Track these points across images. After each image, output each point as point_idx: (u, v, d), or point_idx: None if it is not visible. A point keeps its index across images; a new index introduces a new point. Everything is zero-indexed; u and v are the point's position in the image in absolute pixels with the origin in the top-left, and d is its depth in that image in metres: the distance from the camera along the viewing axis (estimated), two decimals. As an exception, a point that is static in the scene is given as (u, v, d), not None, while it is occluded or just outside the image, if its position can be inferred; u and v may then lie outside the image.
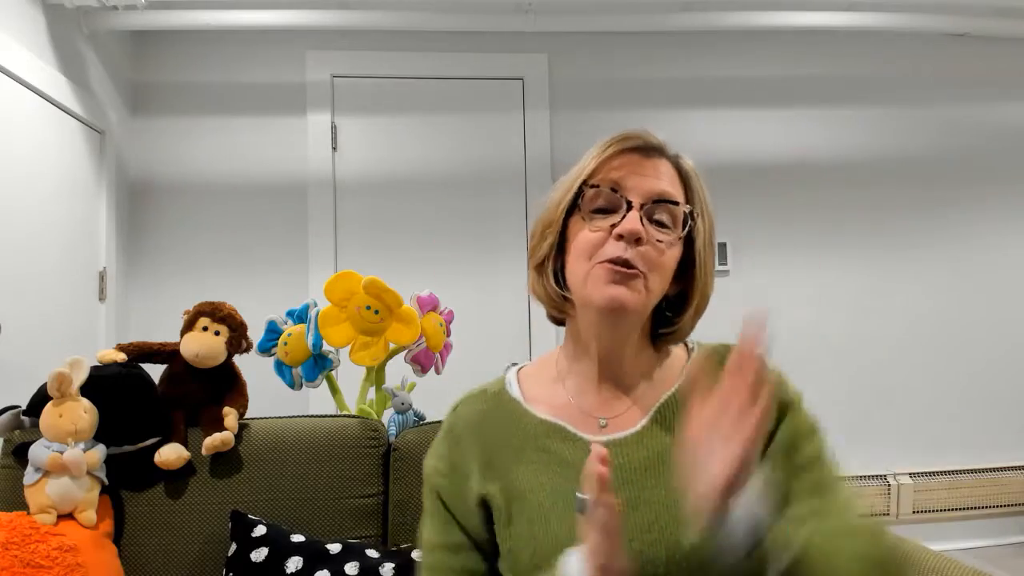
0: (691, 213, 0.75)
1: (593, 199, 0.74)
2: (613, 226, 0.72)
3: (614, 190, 0.73)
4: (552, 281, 0.78)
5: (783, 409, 0.74)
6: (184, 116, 2.57)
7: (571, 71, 2.72)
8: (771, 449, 0.73)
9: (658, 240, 0.73)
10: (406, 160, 2.65)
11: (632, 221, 0.71)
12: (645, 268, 0.72)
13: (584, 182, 0.75)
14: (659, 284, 0.74)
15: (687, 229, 0.75)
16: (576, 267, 0.75)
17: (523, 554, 0.72)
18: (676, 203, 0.74)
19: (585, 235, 0.74)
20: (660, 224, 0.74)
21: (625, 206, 0.73)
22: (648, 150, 0.76)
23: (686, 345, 0.84)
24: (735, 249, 2.72)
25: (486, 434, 0.79)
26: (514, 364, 0.88)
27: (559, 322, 0.84)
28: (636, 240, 0.71)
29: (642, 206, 0.73)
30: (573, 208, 0.76)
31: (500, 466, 0.76)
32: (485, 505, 0.76)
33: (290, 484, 1.35)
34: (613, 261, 0.71)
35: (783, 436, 0.73)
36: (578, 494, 0.61)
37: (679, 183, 0.77)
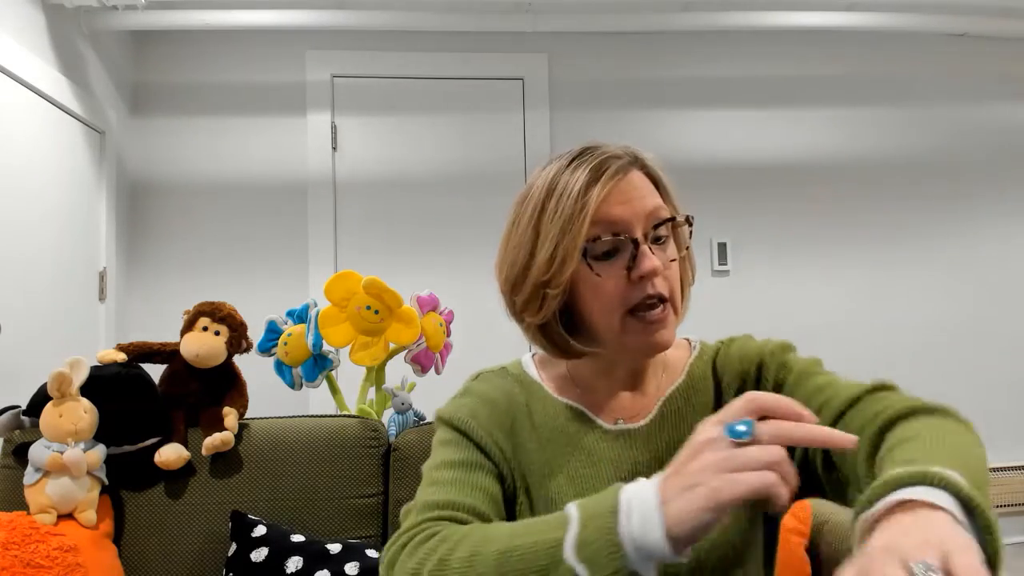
0: (688, 219, 0.75)
1: (593, 250, 0.71)
2: (627, 268, 0.70)
3: (615, 234, 0.71)
4: (562, 330, 0.75)
5: (759, 366, 0.77)
6: (184, 116, 2.57)
7: (571, 71, 2.72)
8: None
9: (671, 260, 0.73)
10: (406, 160, 2.65)
11: (648, 261, 0.69)
12: (668, 291, 0.72)
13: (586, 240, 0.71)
14: (681, 297, 0.75)
15: (691, 235, 0.75)
16: (602, 319, 0.72)
17: None
18: (672, 219, 0.73)
19: (601, 285, 0.71)
20: (662, 240, 0.73)
21: (632, 245, 0.71)
22: (620, 169, 0.72)
23: (689, 344, 0.84)
24: (735, 249, 2.72)
25: (511, 408, 0.79)
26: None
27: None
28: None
29: (646, 235, 0.71)
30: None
31: (523, 443, 0.77)
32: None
33: (290, 484, 1.35)
34: (646, 307, 0.70)
35: (773, 378, 0.75)
36: (733, 424, 0.52)
37: (655, 189, 0.74)
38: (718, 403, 0.78)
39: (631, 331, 0.71)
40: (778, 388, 0.74)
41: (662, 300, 0.71)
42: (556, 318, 0.74)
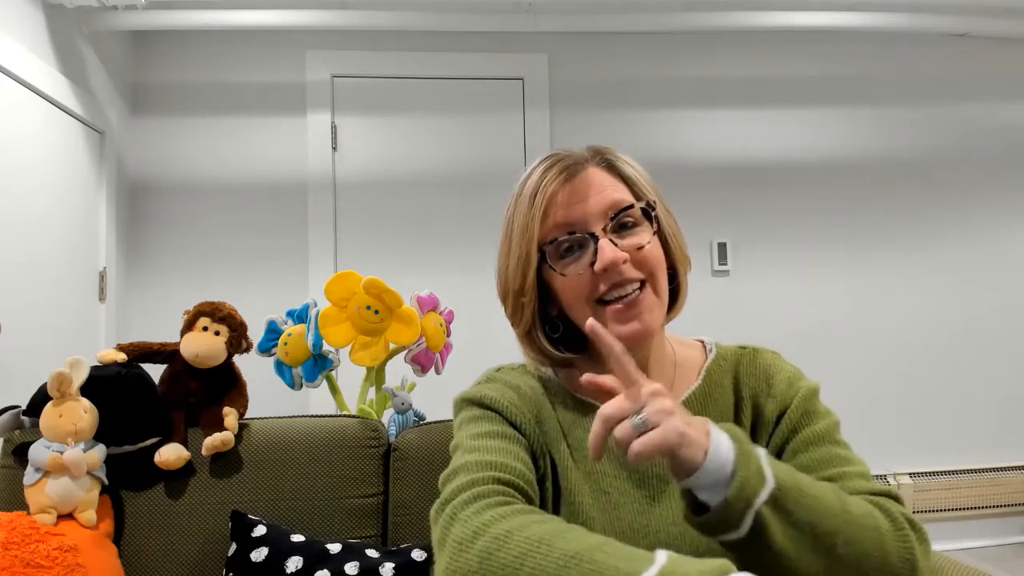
0: (649, 204, 0.75)
1: (556, 250, 0.73)
2: (591, 264, 0.71)
3: (571, 232, 0.72)
4: (546, 341, 0.76)
5: (786, 406, 0.75)
6: (184, 116, 2.57)
7: (571, 71, 2.72)
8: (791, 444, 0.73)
9: (639, 247, 0.72)
10: (406, 160, 2.65)
11: (607, 252, 0.70)
12: (645, 274, 0.72)
13: (540, 244, 0.73)
14: (663, 277, 0.74)
15: (656, 222, 0.75)
16: (580, 315, 0.73)
17: None
18: (631, 206, 0.74)
19: (568, 283, 0.73)
20: (629, 226, 0.73)
21: (591, 239, 0.72)
22: (572, 167, 0.74)
23: (703, 345, 0.83)
24: (735, 249, 2.72)
25: (536, 399, 0.78)
26: None
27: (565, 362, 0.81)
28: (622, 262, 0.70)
29: (605, 228, 0.72)
30: (540, 265, 0.74)
31: (549, 432, 0.76)
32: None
33: (290, 484, 1.35)
34: (614, 299, 0.71)
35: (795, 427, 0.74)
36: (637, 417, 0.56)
37: (616, 180, 0.75)
38: (737, 414, 0.77)
39: (609, 320, 0.71)
40: (793, 432, 0.74)
41: (642, 284, 0.71)
42: (536, 324, 0.76)
